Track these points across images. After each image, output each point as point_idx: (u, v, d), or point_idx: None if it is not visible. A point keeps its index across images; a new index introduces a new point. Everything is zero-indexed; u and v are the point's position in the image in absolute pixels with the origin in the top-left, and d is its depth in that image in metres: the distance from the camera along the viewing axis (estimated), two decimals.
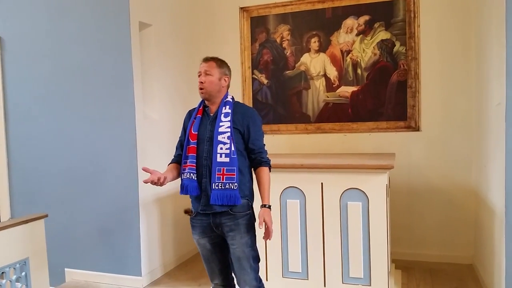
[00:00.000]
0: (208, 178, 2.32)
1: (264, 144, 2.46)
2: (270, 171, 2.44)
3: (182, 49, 4.53)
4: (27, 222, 2.88)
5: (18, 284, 2.77)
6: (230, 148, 2.28)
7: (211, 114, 2.41)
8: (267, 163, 2.42)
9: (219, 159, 2.28)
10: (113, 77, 3.79)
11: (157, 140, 4.06)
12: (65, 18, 3.91)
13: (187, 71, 4.58)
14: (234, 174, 2.27)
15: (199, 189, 2.34)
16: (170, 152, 4.10)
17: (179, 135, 2.57)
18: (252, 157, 2.40)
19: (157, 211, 4.05)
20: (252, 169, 2.45)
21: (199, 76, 2.41)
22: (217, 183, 2.28)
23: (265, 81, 4.73)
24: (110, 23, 3.76)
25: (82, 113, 3.91)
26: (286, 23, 4.62)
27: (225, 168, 2.28)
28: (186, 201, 4.37)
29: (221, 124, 2.33)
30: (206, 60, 2.43)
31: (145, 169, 2.30)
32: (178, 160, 2.49)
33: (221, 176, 2.27)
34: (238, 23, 4.78)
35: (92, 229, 3.92)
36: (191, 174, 2.34)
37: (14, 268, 2.74)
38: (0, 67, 4.11)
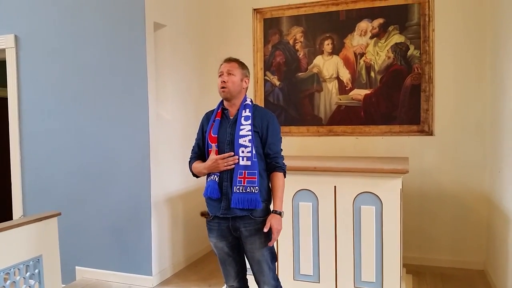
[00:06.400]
0: (229, 182, 2.31)
1: (281, 150, 2.45)
2: (285, 177, 2.42)
3: (196, 49, 4.54)
4: (41, 220, 2.89)
5: (31, 281, 2.77)
6: (251, 152, 2.28)
7: (231, 117, 2.40)
8: (281, 168, 2.40)
9: (241, 162, 2.28)
10: (127, 76, 3.80)
11: (169, 140, 4.07)
12: (81, 18, 3.93)
13: (200, 72, 4.60)
14: (255, 178, 2.27)
15: (219, 192, 2.32)
16: (182, 152, 4.14)
17: (195, 137, 2.56)
18: (268, 162, 2.39)
19: (168, 211, 4.06)
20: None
21: (220, 76, 2.39)
22: (239, 186, 2.27)
23: (277, 83, 4.72)
24: (125, 22, 3.78)
25: (95, 112, 3.93)
26: (299, 25, 4.61)
27: (246, 171, 2.27)
28: (196, 202, 4.39)
29: (241, 127, 2.32)
30: (229, 60, 2.43)
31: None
32: (199, 159, 2.48)
33: (243, 179, 2.27)
34: (251, 24, 4.78)
35: (104, 228, 3.94)
36: (215, 176, 2.34)
37: (27, 265, 2.75)
38: (16, 65, 4.14)
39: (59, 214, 3.02)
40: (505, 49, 3.39)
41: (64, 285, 3.57)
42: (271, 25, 4.73)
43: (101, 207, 3.93)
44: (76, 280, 4.00)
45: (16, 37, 4.14)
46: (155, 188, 3.80)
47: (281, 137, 2.48)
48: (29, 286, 2.74)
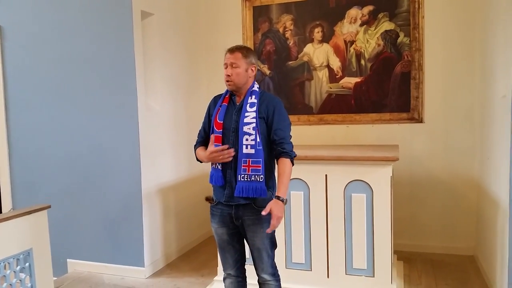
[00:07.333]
0: (233, 170, 2.28)
1: (290, 136, 2.37)
2: (293, 164, 2.33)
3: (184, 38, 4.48)
4: (30, 213, 2.85)
5: (22, 275, 2.75)
6: (255, 140, 2.23)
7: (237, 104, 2.35)
8: (288, 154, 2.30)
9: (244, 151, 2.24)
10: (115, 66, 3.75)
11: (159, 131, 4.03)
12: (67, 7, 3.86)
13: (190, 61, 4.55)
14: (259, 166, 2.23)
15: (223, 179, 2.30)
16: (172, 143, 4.11)
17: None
18: (274, 147, 2.32)
19: (160, 202, 4.04)
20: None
21: (225, 68, 2.32)
22: (243, 175, 2.24)
23: (268, 72, 4.70)
24: (112, 11, 3.72)
25: (84, 103, 3.88)
26: (289, 12, 4.57)
27: (250, 159, 2.23)
28: (188, 192, 4.39)
29: (246, 114, 2.27)
30: (232, 51, 2.32)
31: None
32: (204, 144, 2.45)
33: (247, 168, 2.23)
34: (241, 12, 4.72)
35: (95, 220, 3.92)
36: (218, 164, 2.31)
37: (17, 259, 2.72)
38: (0, 56, 4.06)
39: (49, 207, 2.99)
40: (494, 36, 3.39)
41: (55, 278, 3.55)
42: (260, 13, 4.68)
43: (92, 199, 3.91)
44: (68, 273, 3.98)
45: (0, 27, 4.06)
46: (146, 179, 3.78)
47: (290, 123, 2.40)
48: (20, 280, 2.72)
